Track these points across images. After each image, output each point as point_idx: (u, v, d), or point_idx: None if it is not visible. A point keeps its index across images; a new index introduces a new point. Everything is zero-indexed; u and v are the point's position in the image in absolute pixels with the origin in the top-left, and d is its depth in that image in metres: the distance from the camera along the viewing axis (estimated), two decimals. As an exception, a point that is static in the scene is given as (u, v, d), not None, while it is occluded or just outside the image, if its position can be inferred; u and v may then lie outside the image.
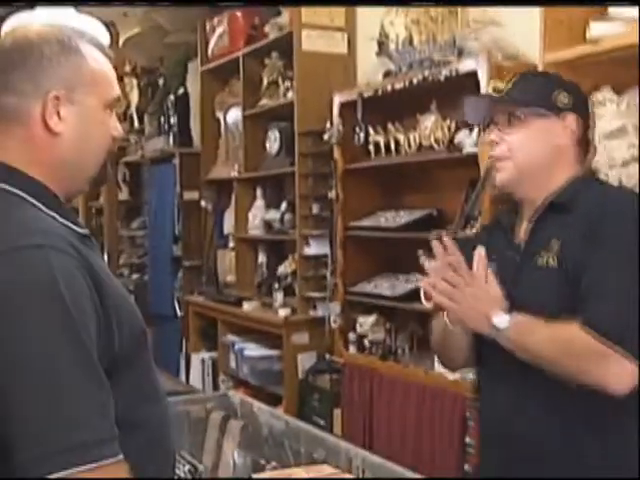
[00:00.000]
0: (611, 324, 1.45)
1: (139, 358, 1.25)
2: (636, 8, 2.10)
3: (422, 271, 1.62)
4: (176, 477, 1.93)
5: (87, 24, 3.21)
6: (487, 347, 1.65)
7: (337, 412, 3.45)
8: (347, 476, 1.71)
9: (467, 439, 2.77)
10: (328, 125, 3.48)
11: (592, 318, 1.45)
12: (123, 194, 6.29)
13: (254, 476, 1.73)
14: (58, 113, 1.22)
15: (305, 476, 1.68)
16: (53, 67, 1.22)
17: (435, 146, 3.11)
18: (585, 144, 1.66)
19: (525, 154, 1.61)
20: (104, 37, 3.20)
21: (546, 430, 1.56)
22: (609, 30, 2.11)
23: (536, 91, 1.63)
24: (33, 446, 1.03)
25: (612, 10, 2.14)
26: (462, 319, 1.58)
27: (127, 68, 5.89)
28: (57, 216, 1.21)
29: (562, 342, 1.48)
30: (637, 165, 2.13)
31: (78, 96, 1.24)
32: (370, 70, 3.55)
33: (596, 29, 2.13)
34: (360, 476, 1.74)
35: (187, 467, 2.15)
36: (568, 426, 1.55)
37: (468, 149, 2.87)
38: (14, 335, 1.05)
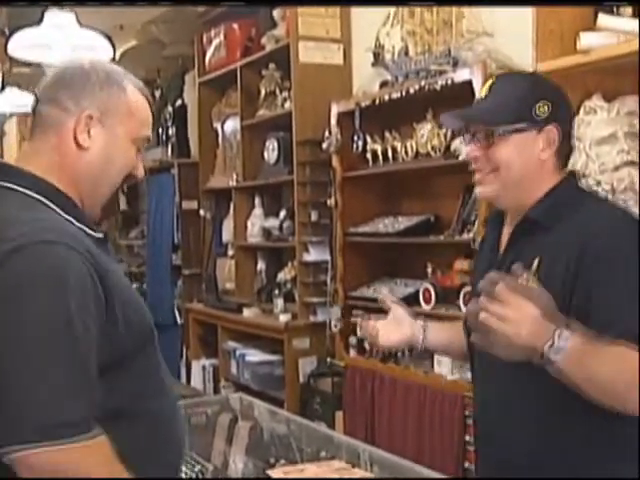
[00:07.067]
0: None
1: (146, 354, 1.36)
2: (624, 19, 2.19)
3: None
4: (187, 477, 1.99)
5: (90, 38, 3.28)
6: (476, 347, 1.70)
7: (339, 414, 3.51)
8: (357, 471, 1.78)
9: (467, 437, 2.84)
10: (326, 134, 3.55)
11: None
12: (121, 204, 6.35)
13: (268, 472, 1.79)
14: (89, 131, 1.35)
15: (317, 470, 1.75)
16: (94, 91, 1.36)
17: (432, 153, 3.17)
18: (566, 150, 1.63)
19: (509, 169, 1.58)
20: (107, 51, 3.27)
21: (535, 430, 1.56)
22: (598, 41, 2.19)
23: (517, 105, 1.57)
24: None
25: (601, 22, 2.22)
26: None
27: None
28: (74, 220, 1.32)
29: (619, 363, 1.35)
30: (627, 170, 2.21)
31: (110, 121, 1.37)
32: (366, 80, 3.64)
33: (586, 40, 2.20)
34: (369, 470, 1.81)
35: (197, 468, 2.21)
36: (558, 427, 1.54)
37: (464, 156, 2.93)
38: (10, 320, 1.15)
